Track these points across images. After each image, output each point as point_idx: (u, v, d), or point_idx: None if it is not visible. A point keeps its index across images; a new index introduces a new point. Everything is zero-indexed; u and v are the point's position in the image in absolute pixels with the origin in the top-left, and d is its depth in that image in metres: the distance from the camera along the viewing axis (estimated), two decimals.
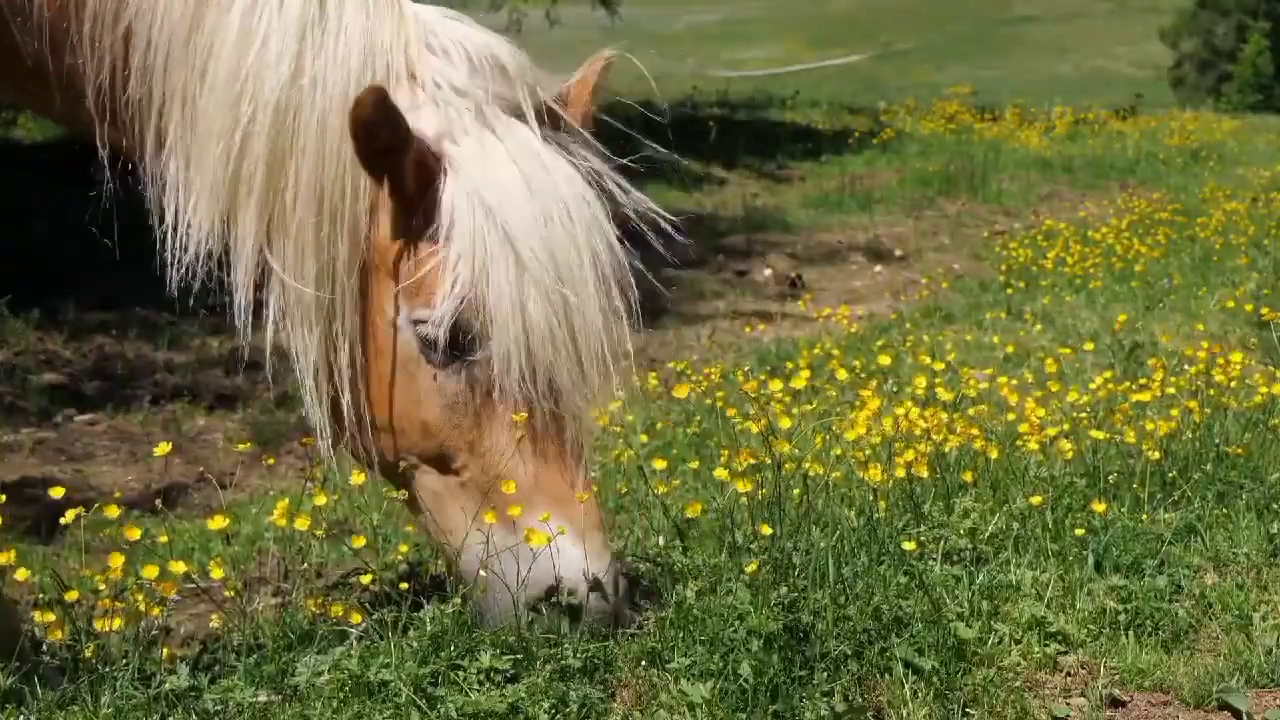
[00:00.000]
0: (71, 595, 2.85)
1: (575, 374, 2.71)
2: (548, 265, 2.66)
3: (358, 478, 3.18)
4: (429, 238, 2.67)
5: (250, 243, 2.67)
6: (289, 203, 2.64)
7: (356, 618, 2.88)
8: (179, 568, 2.85)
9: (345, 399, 2.72)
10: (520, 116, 2.78)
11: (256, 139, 2.62)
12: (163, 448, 3.15)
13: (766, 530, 3.22)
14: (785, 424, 3.86)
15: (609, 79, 3.02)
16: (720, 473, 3.53)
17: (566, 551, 2.68)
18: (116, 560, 2.80)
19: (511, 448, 2.69)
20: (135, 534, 2.82)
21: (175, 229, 2.69)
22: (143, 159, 2.74)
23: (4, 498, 2.81)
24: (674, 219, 2.91)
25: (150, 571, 2.82)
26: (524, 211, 2.66)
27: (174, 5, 2.63)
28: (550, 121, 2.82)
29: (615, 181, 2.86)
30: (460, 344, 2.67)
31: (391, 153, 2.60)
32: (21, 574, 2.76)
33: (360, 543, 3.19)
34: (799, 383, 4.20)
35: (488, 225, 2.64)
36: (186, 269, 2.69)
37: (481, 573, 2.71)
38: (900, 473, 3.74)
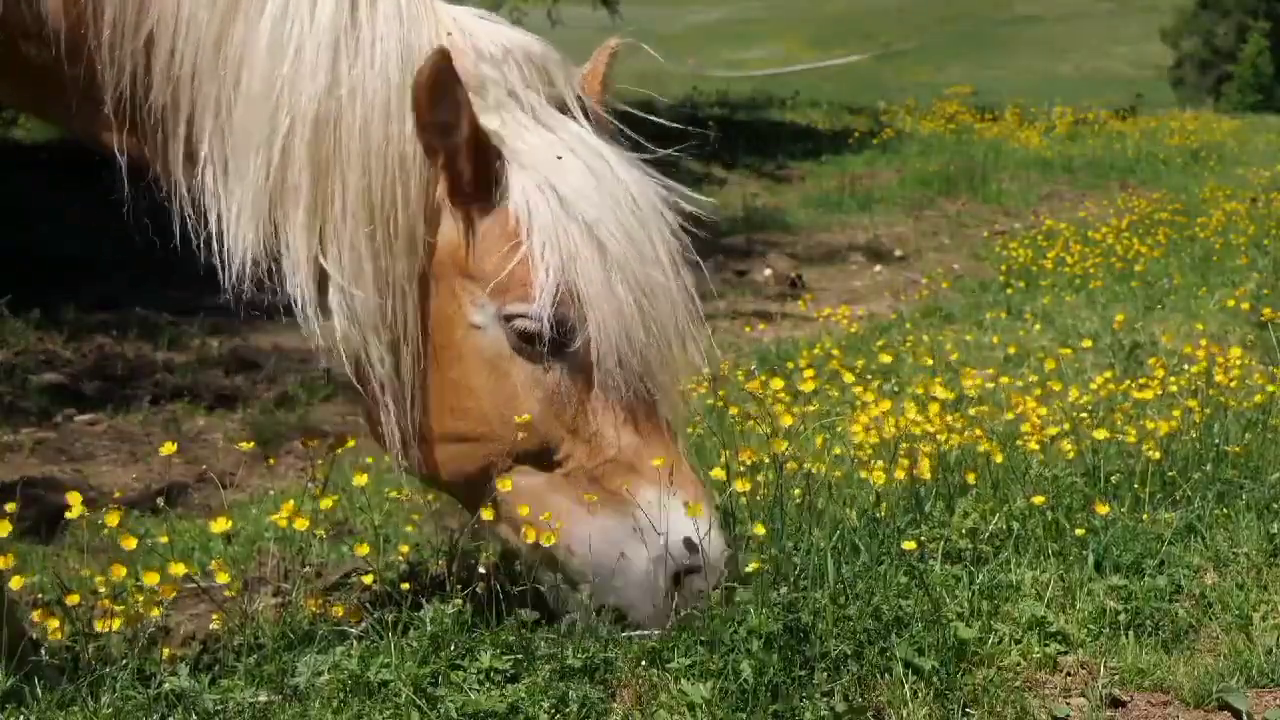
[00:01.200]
0: (73, 599, 2.84)
1: (664, 351, 2.74)
2: (627, 249, 2.69)
3: (359, 479, 3.18)
4: (506, 233, 2.66)
5: (303, 253, 2.65)
6: (338, 212, 2.63)
7: (356, 617, 2.88)
8: (179, 569, 2.84)
9: (407, 413, 2.71)
10: (565, 111, 2.80)
11: (298, 150, 2.61)
12: (168, 447, 3.15)
13: (760, 530, 3.23)
14: (787, 422, 3.86)
15: (615, 69, 3.03)
16: (717, 473, 3.53)
17: (691, 524, 2.71)
18: (119, 572, 2.79)
19: (616, 430, 2.71)
20: (131, 544, 2.80)
21: (220, 235, 2.67)
22: (167, 167, 2.72)
23: (13, 506, 2.79)
24: (709, 200, 2.99)
25: (151, 578, 2.82)
26: (596, 199, 2.68)
27: (199, 14, 2.60)
28: (590, 113, 2.84)
29: (652, 175, 2.88)
30: (558, 333, 2.67)
31: (451, 129, 2.58)
32: (16, 582, 2.74)
33: (364, 550, 3.19)
34: (806, 385, 4.20)
35: (566, 215, 2.65)
36: (234, 277, 2.66)
37: (619, 555, 2.70)
38: (901, 474, 3.74)
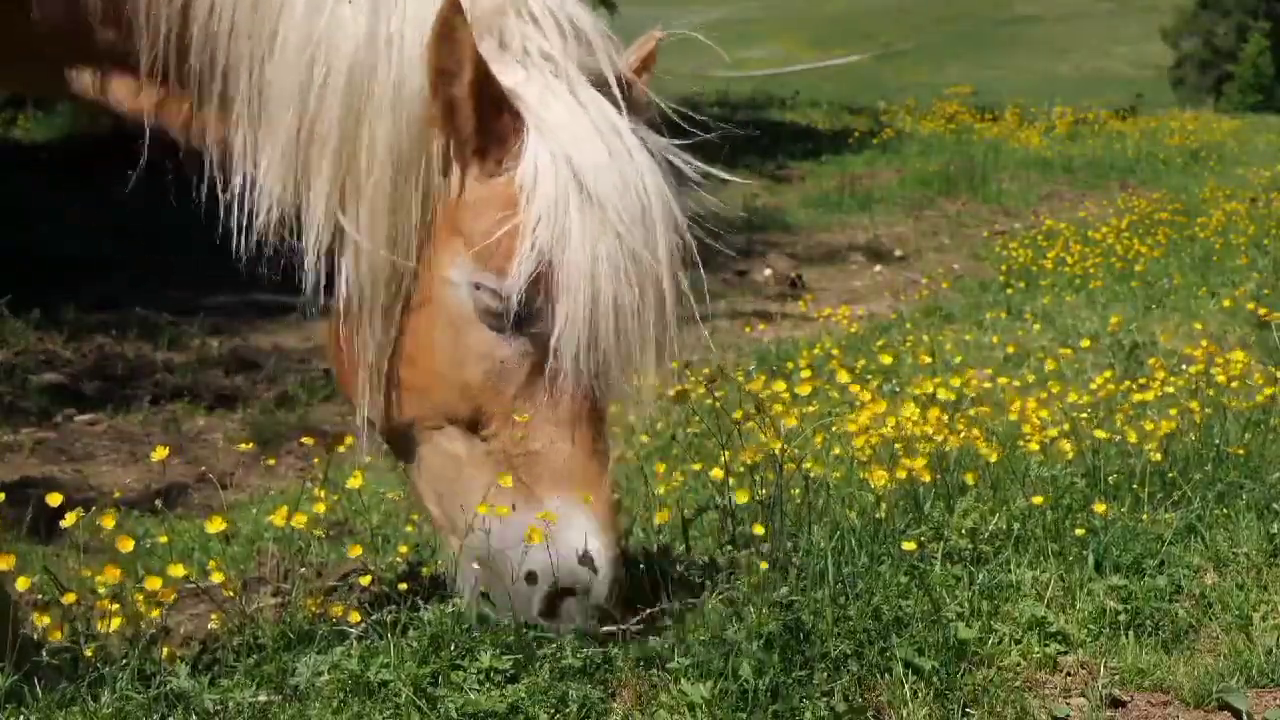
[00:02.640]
0: (70, 598, 2.84)
1: (632, 358, 2.68)
2: (630, 231, 2.63)
3: (355, 480, 3.18)
4: (506, 198, 2.62)
5: (323, 205, 2.63)
6: (364, 165, 2.61)
7: (356, 617, 2.88)
8: (178, 571, 2.84)
9: (372, 349, 2.69)
10: (601, 85, 2.74)
11: (330, 100, 2.59)
12: (160, 451, 3.13)
13: (760, 530, 3.22)
14: (790, 423, 3.86)
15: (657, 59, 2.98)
16: (716, 473, 3.53)
17: (587, 541, 2.64)
18: (114, 574, 2.79)
19: (550, 424, 2.65)
20: (128, 545, 2.80)
21: (244, 195, 2.66)
22: (201, 129, 2.72)
23: (2, 496, 2.80)
24: (729, 179, 2.92)
25: (154, 583, 2.81)
26: (607, 180, 2.63)
27: None
28: (626, 94, 2.78)
29: (681, 158, 2.83)
30: (526, 313, 2.62)
31: (453, 76, 2.54)
32: (22, 583, 2.74)
33: (356, 552, 3.18)
34: (804, 389, 4.20)
35: (571, 189, 2.60)
36: (257, 235, 2.66)
37: (491, 546, 2.66)
38: (902, 474, 3.74)
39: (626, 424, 2.87)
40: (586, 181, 2.61)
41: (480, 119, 2.59)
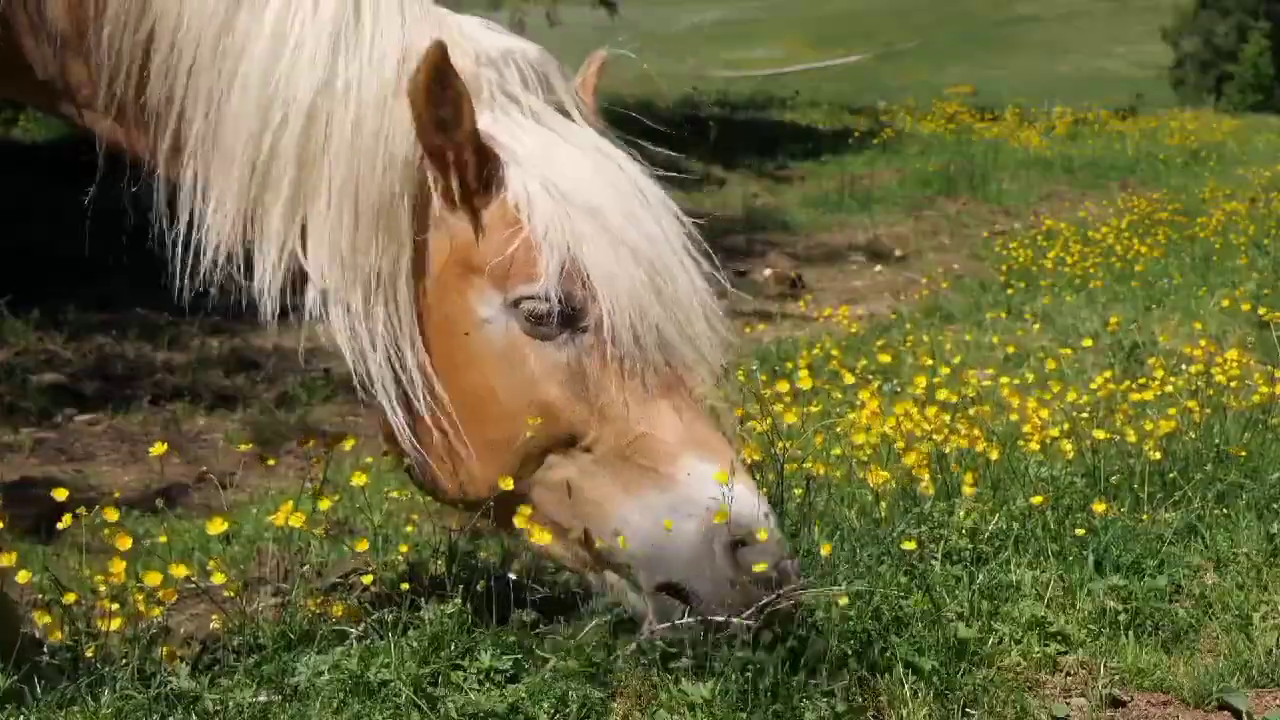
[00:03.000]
0: (70, 597, 2.84)
1: (682, 325, 2.69)
2: (634, 230, 2.66)
3: (360, 478, 3.18)
4: (506, 221, 2.64)
5: (277, 248, 2.63)
6: (322, 208, 2.62)
7: (356, 617, 2.88)
8: (180, 571, 2.84)
9: (397, 400, 2.65)
10: (565, 114, 2.79)
11: (286, 143, 2.60)
12: (158, 448, 3.13)
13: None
14: (791, 419, 3.86)
15: (604, 78, 3.03)
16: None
17: (744, 496, 2.62)
18: (118, 565, 2.79)
19: (641, 405, 2.64)
20: (126, 543, 2.80)
21: (191, 233, 2.66)
22: (154, 162, 2.72)
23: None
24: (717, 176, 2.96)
25: (153, 578, 2.81)
26: (598, 188, 2.67)
27: (205, 6, 2.61)
28: (585, 115, 2.84)
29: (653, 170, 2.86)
30: (568, 310, 2.64)
31: (451, 125, 2.56)
32: (23, 576, 2.75)
33: (363, 546, 3.18)
34: (804, 383, 4.20)
35: (567, 202, 2.63)
36: (202, 273, 2.66)
37: (667, 530, 2.60)
38: (902, 474, 3.74)
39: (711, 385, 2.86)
40: (578, 196, 2.64)
41: (480, 162, 2.63)
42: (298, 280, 2.68)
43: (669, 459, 2.65)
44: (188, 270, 2.67)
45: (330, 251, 2.63)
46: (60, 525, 2.86)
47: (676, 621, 2.65)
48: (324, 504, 3.11)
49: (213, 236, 2.65)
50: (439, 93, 2.54)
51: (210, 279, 2.67)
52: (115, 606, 2.81)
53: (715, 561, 2.60)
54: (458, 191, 2.66)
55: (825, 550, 3.14)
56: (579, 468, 2.69)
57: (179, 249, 2.67)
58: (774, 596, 2.61)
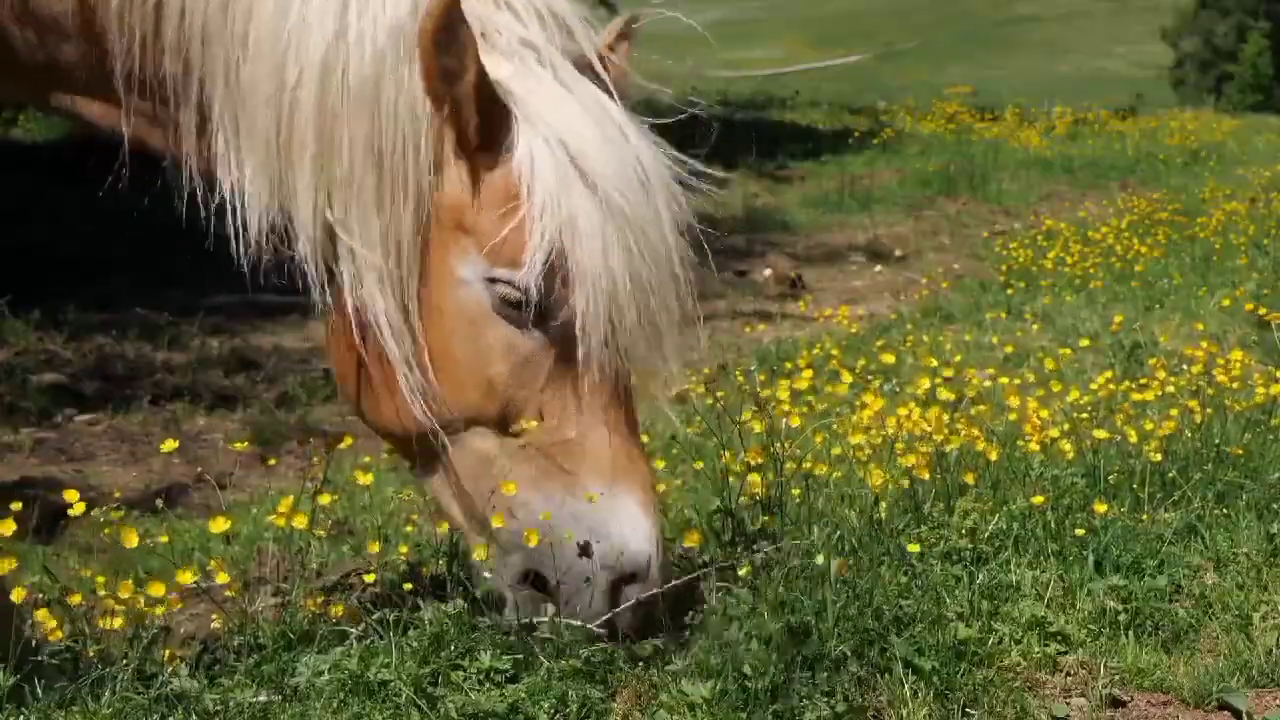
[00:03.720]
0: (75, 599, 2.84)
1: (654, 337, 2.66)
2: (632, 213, 2.60)
3: (365, 477, 3.18)
4: (507, 190, 2.59)
5: (309, 209, 2.59)
6: (345, 165, 2.57)
7: (356, 617, 2.88)
8: (187, 577, 2.84)
9: (410, 360, 2.63)
10: (587, 70, 2.71)
11: (305, 101, 2.56)
12: (169, 444, 3.13)
13: (768, 517, 3.22)
14: (795, 422, 3.86)
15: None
16: (732, 477, 3.53)
17: (639, 523, 2.62)
18: (126, 589, 2.78)
19: (583, 411, 2.62)
20: (133, 540, 2.80)
21: (233, 204, 2.62)
22: (178, 138, 2.67)
23: (18, 505, 2.79)
24: (717, 175, 2.86)
25: (156, 589, 2.80)
26: (604, 161, 2.60)
27: None
28: (609, 76, 2.75)
29: (661, 144, 2.80)
30: (546, 303, 2.60)
31: (456, 75, 2.51)
32: (18, 595, 2.73)
33: (375, 548, 3.18)
34: (802, 383, 4.20)
35: (571, 172, 2.57)
36: (252, 243, 2.62)
37: (543, 540, 2.62)
38: (901, 474, 3.74)
39: (664, 401, 2.83)
40: (583, 165, 2.58)
41: (484, 115, 2.57)
42: (333, 242, 2.63)
43: (589, 473, 2.63)
44: (238, 238, 2.62)
45: (358, 209, 2.59)
46: (70, 513, 2.85)
47: (525, 611, 2.70)
48: (324, 499, 3.10)
49: (253, 205, 2.61)
50: (445, 41, 2.48)
51: (259, 250, 2.63)
52: (115, 603, 2.80)
53: (595, 585, 2.63)
54: (460, 145, 2.60)
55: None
56: (500, 445, 2.68)
57: (227, 217, 2.63)
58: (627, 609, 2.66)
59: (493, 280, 2.61)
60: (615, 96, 2.71)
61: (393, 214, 2.60)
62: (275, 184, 2.61)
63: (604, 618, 2.67)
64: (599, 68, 2.72)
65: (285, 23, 2.55)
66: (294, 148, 2.59)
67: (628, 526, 2.62)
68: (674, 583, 2.75)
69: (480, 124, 2.58)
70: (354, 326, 2.66)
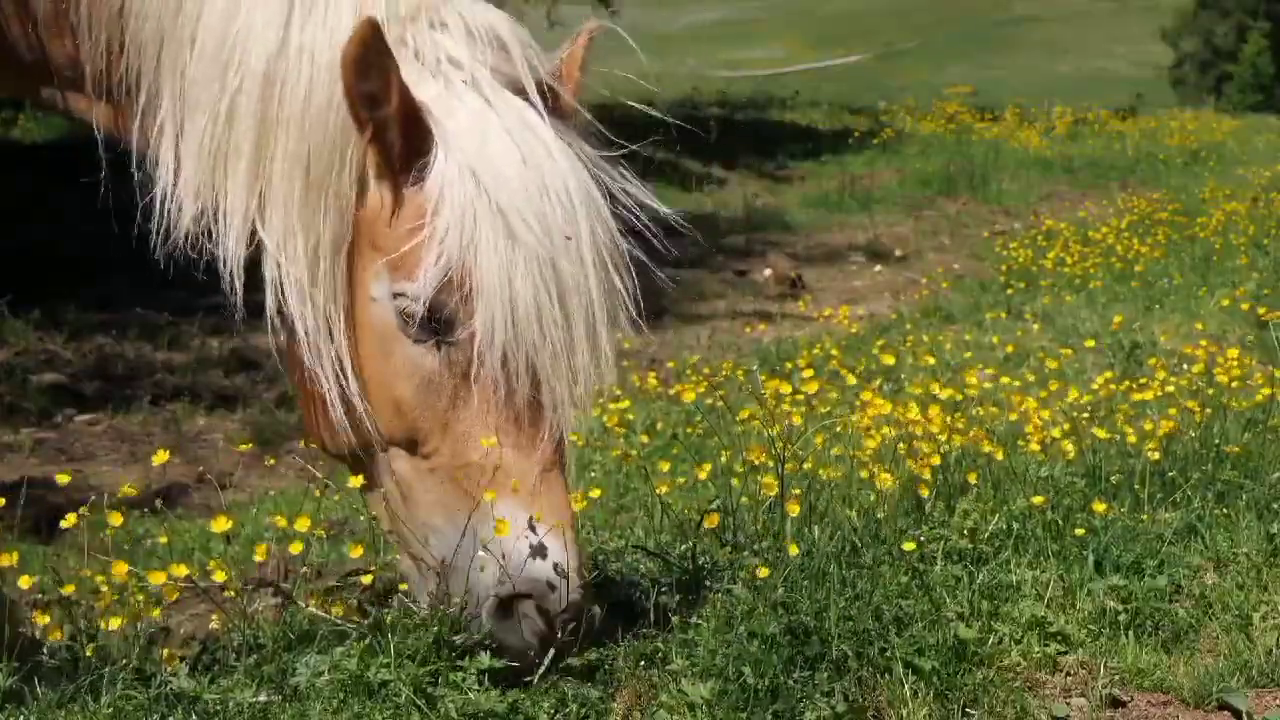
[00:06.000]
0: (69, 589, 2.84)
1: (561, 359, 2.63)
2: (541, 240, 2.58)
3: (356, 481, 3.18)
4: (417, 210, 2.59)
5: (240, 215, 2.62)
6: (276, 175, 2.60)
7: (356, 617, 2.88)
8: (181, 570, 2.84)
9: (330, 378, 2.65)
10: (520, 92, 2.70)
11: (244, 108, 2.58)
12: (161, 455, 3.12)
13: (778, 509, 3.21)
14: (797, 420, 3.85)
15: (593, 54, 2.93)
16: (735, 479, 3.53)
17: (540, 547, 2.59)
18: (120, 568, 2.79)
19: (483, 433, 2.62)
20: (117, 520, 2.80)
21: (164, 202, 2.65)
22: (139, 136, 2.71)
23: (2, 501, 2.80)
24: (671, 212, 2.81)
25: (157, 578, 2.81)
26: (517, 184, 2.59)
27: None
28: (550, 100, 2.74)
29: (607, 171, 2.78)
30: (441, 319, 2.59)
31: (379, 101, 2.52)
32: (24, 581, 2.74)
33: (357, 553, 3.18)
34: (810, 387, 4.19)
35: (478, 197, 2.57)
36: (175, 242, 2.64)
37: (442, 564, 2.63)
38: (903, 474, 3.74)
39: (575, 427, 2.79)
40: (492, 192, 2.57)
41: (407, 139, 2.58)
42: (260, 250, 2.65)
43: (498, 494, 2.60)
44: (162, 237, 2.65)
45: (284, 220, 2.61)
46: (64, 522, 2.86)
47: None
48: (322, 495, 3.09)
49: (184, 206, 2.63)
50: (365, 68, 2.48)
51: (184, 247, 2.64)
52: (115, 598, 2.80)
53: (481, 614, 2.62)
54: (383, 165, 2.61)
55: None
56: (414, 469, 2.69)
57: (154, 216, 2.65)
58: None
59: (395, 295, 2.62)
60: (545, 116, 2.69)
61: (316, 228, 2.61)
62: (205, 186, 2.64)
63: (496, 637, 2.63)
64: (531, 88, 2.70)
65: (231, 28, 2.58)
66: (230, 154, 2.61)
67: (522, 549, 2.58)
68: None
69: (404, 146, 2.59)
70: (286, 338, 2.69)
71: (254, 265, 2.66)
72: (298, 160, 2.59)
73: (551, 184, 2.63)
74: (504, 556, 2.58)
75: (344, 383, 2.66)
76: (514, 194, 2.58)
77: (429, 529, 2.68)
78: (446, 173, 2.59)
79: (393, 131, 2.56)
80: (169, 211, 2.64)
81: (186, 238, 2.64)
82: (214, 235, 2.64)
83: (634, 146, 2.85)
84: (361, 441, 2.72)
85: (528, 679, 2.63)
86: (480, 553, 2.60)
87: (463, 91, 2.65)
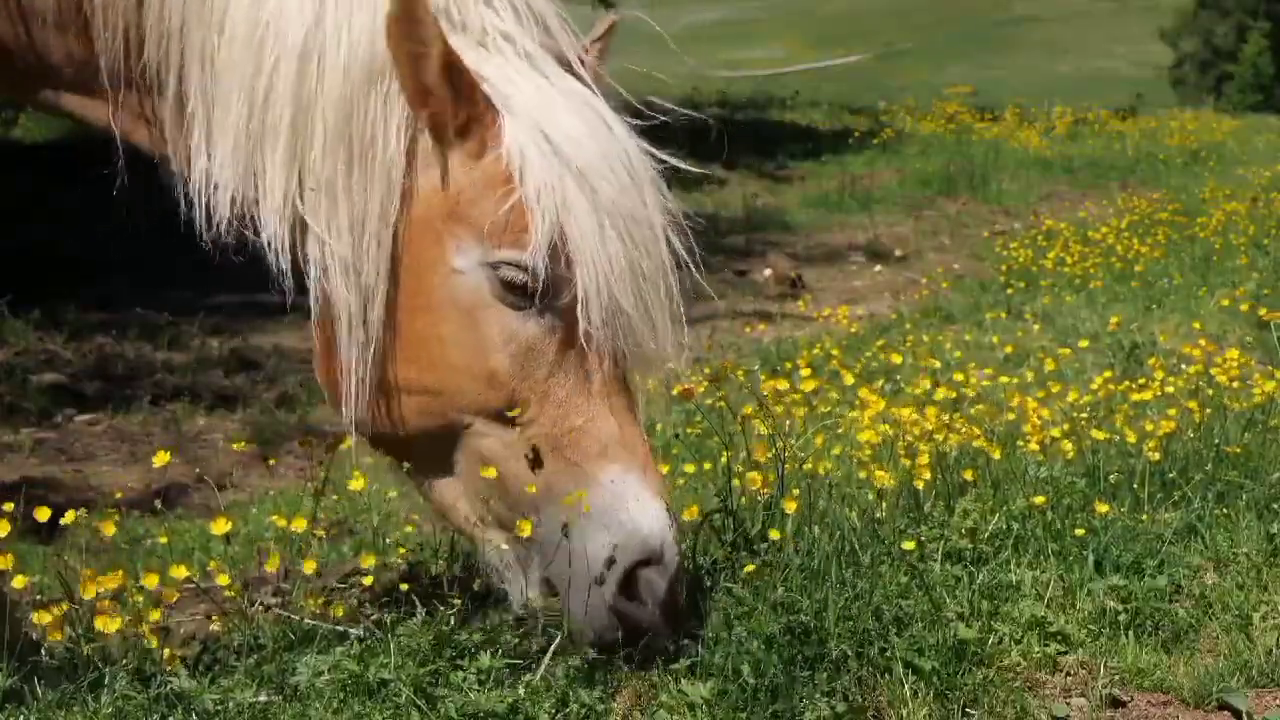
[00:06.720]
0: (88, 592, 2.84)
1: (649, 322, 2.63)
2: (621, 201, 2.59)
3: (357, 483, 3.17)
4: (499, 178, 2.57)
5: (279, 196, 2.58)
6: (317, 152, 2.57)
7: (356, 617, 2.88)
8: (180, 572, 2.84)
9: (367, 363, 2.61)
10: (567, 68, 2.70)
11: (280, 87, 2.55)
12: (162, 457, 3.11)
13: (775, 535, 3.21)
14: (798, 414, 3.85)
15: (614, 42, 2.97)
16: (736, 479, 3.52)
17: (655, 510, 2.58)
18: (118, 579, 2.78)
19: (588, 397, 2.60)
20: (110, 530, 2.79)
21: (203, 190, 2.61)
22: (161, 129, 2.68)
23: (10, 506, 2.79)
24: (696, 171, 2.86)
25: (152, 580, 2.80)
26: (590, 152, 2.59)
27: None
28: (588, 75, 2.75)
29: (647, 149, 2.77)
30: (546, 283, 2.56)
31: (422, 62, 2.49)
32: (19, 581, 2.74)
33: (402, 551, 3.16)
34: (808, 385, 4.19)
35: (558, 161, 2.56)
36: (217, 230, 2.60)
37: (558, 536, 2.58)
38: (903, 474, 3.74)
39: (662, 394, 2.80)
40: (569, 155, 2.57)
41: (456, 101, 2.56)
42: (302, 231, 2.62)
43: (597, 461, 2.60)
44: (207, 226, 2.61)
45: (327, 197, 2.58)
46: (63, 521, 2.86)
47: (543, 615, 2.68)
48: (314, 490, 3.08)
49: (222, 193, 2.60)
50: (409, 30, 2.47)
51: (225, 236, 2.61)
52: (106, 598, 2.80)
53: (604, 583, 2.58)
54: (438, 134, 2.59)
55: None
56: (504, 441, 2.64)
57: (195, 206, 2.62)
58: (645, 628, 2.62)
59: (494, 265, 2.58)
60: (596, 91, 2.70)
61: (361, 203, 2.58)
62: (246, 169, 2.60)
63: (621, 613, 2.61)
64: (576, 64, 2.71)
65: (263, 10, 2.56)
66: (266, 135, 2.58)
67: (638, 514, 2.58)
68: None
69: (456, 112, 2.57)
70: (320, 325, 2.67)
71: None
72: (340, 136, 2.56)
73: (618, 154, 2.64)
74: (620, 524, 2.56)
75: (372, 360, 2.61)
76: (590, 157, 2.58)
77: (524, 504, 2.62)
78: (519, 138, 2.57)
79: (439, 95, 2.54)
80: (206, 199, 2.61)
81: (225, 223, 2.61)
82: (253, 220, 2.61)
83: (676, 122, 2.84)
84: (424, 420, 2.66)
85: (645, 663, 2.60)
86: (593, 521, 2.56)
87: (518, 64, 2.64)
